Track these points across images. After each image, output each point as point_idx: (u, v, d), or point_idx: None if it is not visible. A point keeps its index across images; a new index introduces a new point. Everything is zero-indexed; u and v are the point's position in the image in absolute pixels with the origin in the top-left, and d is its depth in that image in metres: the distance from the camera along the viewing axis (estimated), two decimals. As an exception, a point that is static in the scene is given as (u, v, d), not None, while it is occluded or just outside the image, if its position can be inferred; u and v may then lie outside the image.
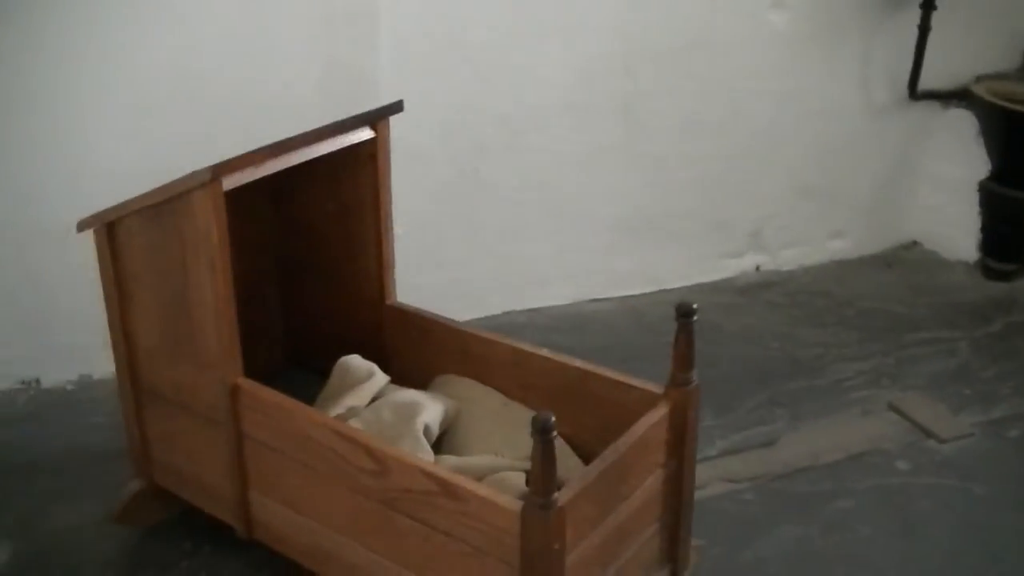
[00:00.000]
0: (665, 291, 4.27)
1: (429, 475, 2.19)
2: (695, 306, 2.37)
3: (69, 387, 3.57)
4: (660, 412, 2.38)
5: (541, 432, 1.95)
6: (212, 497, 2.69)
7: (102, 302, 2.72)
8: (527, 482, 2.42)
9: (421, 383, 2.89)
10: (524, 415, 2.69)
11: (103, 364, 3.41)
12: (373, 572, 2.39)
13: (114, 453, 3.07)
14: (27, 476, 3.11)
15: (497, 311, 4.07)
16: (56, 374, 3.59)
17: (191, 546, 2.85)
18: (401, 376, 2.90)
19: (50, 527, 2.92)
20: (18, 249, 3.40)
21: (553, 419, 1.94)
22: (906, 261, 4.66)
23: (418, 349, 2.93)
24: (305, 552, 2.54)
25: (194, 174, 2.32)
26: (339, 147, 2.69)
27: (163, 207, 2.44)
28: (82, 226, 2.63)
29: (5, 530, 2.89)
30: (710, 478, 3.13)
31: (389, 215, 2.89)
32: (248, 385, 2.48)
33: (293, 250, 3.13)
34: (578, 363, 2.64)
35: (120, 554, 2.84)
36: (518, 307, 4.13)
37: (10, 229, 3.38)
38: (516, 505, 2.06)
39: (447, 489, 2.16)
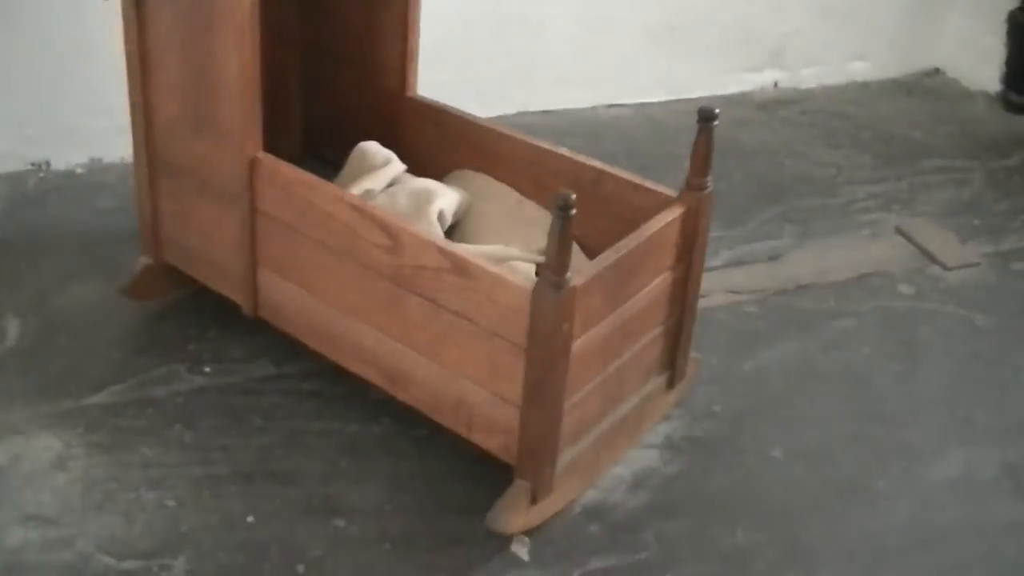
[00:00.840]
0: (683, 100, 4.22)
1: (442, 251, 2.21)
2: (717, 111, 2.35)
3: (79, 170, 3.55)
4: (674, 213, 2.38)
5: (561, 208, 1.96)
6: (221, 274, 2.70)
7: (116, 84, 2.68)
8: (536, 274, 2.43)
9: (436, 176, 2.88)
10: (537, 212, 2.69)
11: (114, 148, 3.42)
12: (379, 353, 2.41)
13: (123, 235, 3.08)
14: (36, 256, 3.12)
15: (512, 111, 4.02)
16: (67, 157, 3.56)
17: (196, 330, 2.86)
18: (417, 169, 2.89)
19: (58, 306, 2.94)
20: (32, 27, 3.35)
21: (573, 196, 1.94)
22: (927, 88, 4.61)
23: (436, 142, 2.92)
24: (310, 332, 2.57)
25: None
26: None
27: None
28: (109, -7, 2.58)
29: (14, 307, 2.91)
30: (714, 288, 3.14)
31: (417, 8, 2.85)
32: (267, 159, 2.47)
33: (317, 38, 3.09)
34: (594, 163, 2.63)
35: (126, 334, 2.86)
36: (534, 108, 4.09)
37: (22, 8, 3.32)
38: (528, 284, 2.08)
39: (459, 266, 2.17)
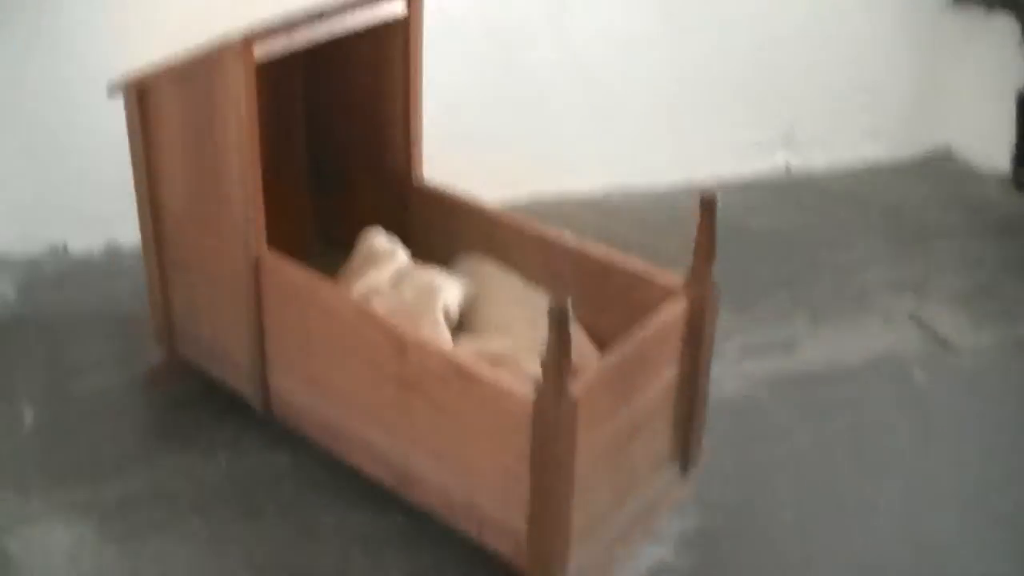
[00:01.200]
0: (695, 184, 4.22)
1: (446, 358, 2.22)
2: (717, 195, 2.35)
3: (97, 254, 3.59)
4: (679, 305, 2.39)
5: (557, 319, 1.96)
6: (232, 370, 2.73)
7: (130, 169, 2.72)
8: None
9: (444, 262, 2.90)
10: (544, 300, 2.69)
11: (130, 232, 3.41)
12: (387, 451, 2.42)
13: (140, 321, 3.09)
14: (52, 340, 3.15)
15: (525, 193, 4.03)
16: (84, 240, 3.60)
17: (211, 419, 2.88)
18: (425, 254, 2.91)
19: (73, 392, 2.96)
20: (51, 113, 3.40)
21: (570, 308, 1.95)
22: (938, 169, 4.59)
23: (443, 228, 2.94)
24: (320, 429, 2.58)
25: (226, 40, 2.32)
26: (371, 20, 2.67)
27: (194, 72, 2.44)
28: (113, 89, 2.62)
29: (29, 393, 2.93)
30: (725, 377, 3.12)
31: (419, 93, 2.89)
32: (271, 258, 2.50)
33: (324, 124, 3.12)
34: (601, 251, 2.64)
35: (142, 423, 2.89)
36: (547, 190, 4.11)
37: (45, 91, 3.37)
38: (530, 392, 2.07)
39: (462, 373, 2.18)
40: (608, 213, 4.04)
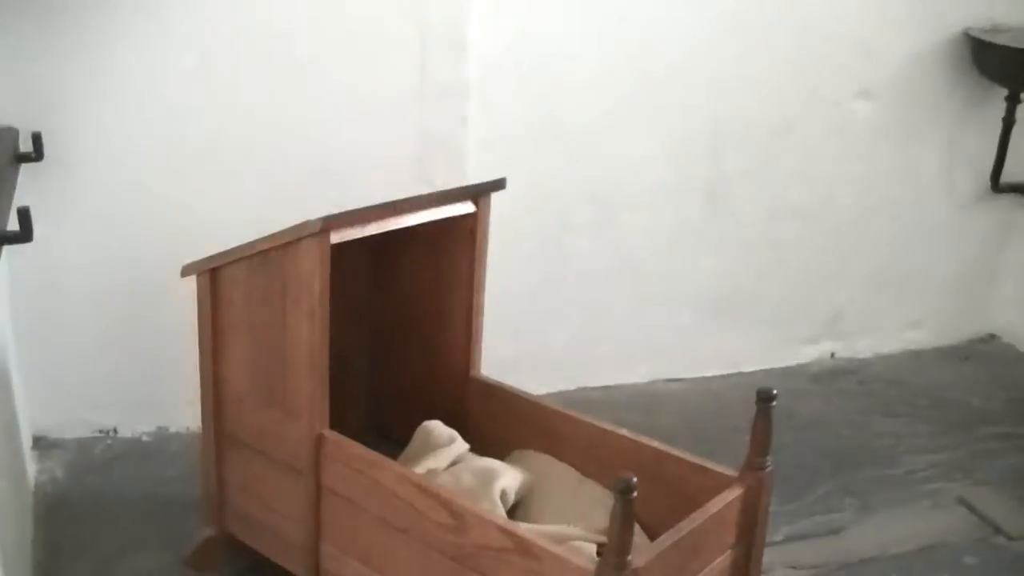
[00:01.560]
0: (741, 374, 4.27)
1: (505, 531, 2.22)
2: (775, 391, 2.38)
3: (145, 438, 3.62)
4: (735, 493, 2.39)
5: (622, 492, 1.97)
6: (283, 547, 2.72)
7: (184, 355, 2.77)
8: (598, 553, 2.42)
9: (499, 455, 2.91)
10: (599, 492, 2.71)
11: (180, 418, 3.50)
12: (441, 631, 2.40)
13: (186, 505, 3.12)
14: (99, 524, 3.15)
15: (572, 386, 4.09)
16: (133, 425, 3.63)
17: (259, 601, 2.87)
18: (481, 447, 2.93)
19: (121, 575, 2.95)
20: (104, 299, 3.47)
21: (635, 480, 1.96)
22: (983, 354, 4.63)
23: (499, 422, 2.97)
24: (374, 610, 2.56)
25: (304, 224, 2.39)
26: (441, 216, 2.75)
27: (269, 254, 2.50)
28: (187, 271, 2.69)
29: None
30: (774, 564, 3.10)
31: (482, 289, 2.95)
32: (333, 436, 2.52)
33: (385, 316, 3.19)
34: (655, 444, 2.65)
35: (189, 606, 2.88)
36: (594, 383, 4.15)
37: (98, 278, 3.44)
38: (590, 564, 2.07)
39: (522, 547, 2.18)
40: (654, 404, 4.07)
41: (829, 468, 3.68)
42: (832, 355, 4.52)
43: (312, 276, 2.41)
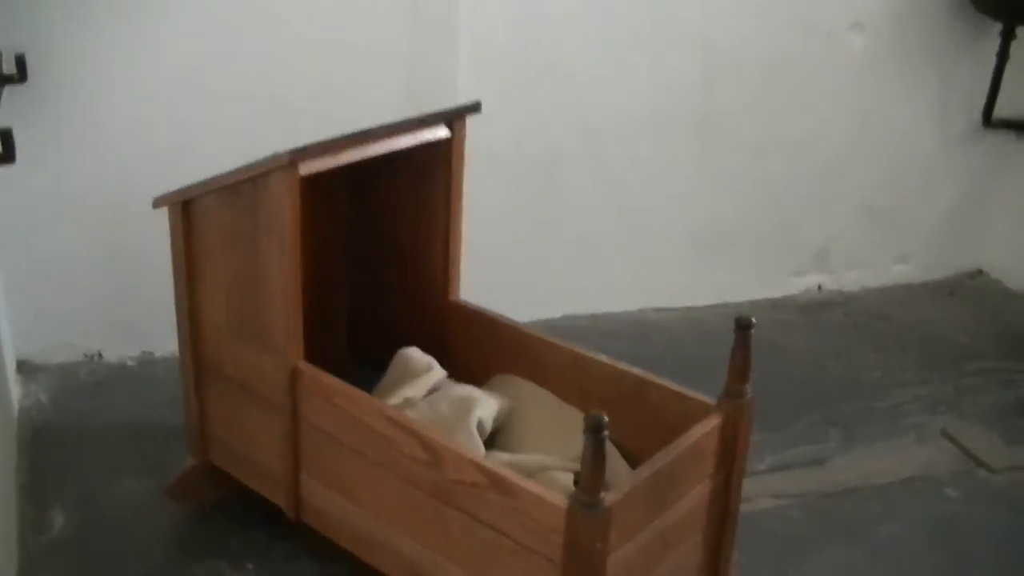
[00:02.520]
0: (728, 304, 4.27)
1: (480, 468, 2.22)
2: (753, 319, 2.38)
3: (130, 363, 3.63)
4: (713, 422, 2.39)
5: (593, 431, 1.97)
6: (264, 478, 2.73)
7: (169, 281, 2.76)
8: (575, 483, 2.43)
9: (479, 381, 2.91)
10: (578, 419, 2.69)
11: (165, 342, 3.48)
12: (419, 563, 2.41)
13: (172, 430, 3.12)
14: (85, 448, 3.17)
15: (558, 314, 4.09)
16: (118, 349, 3.64)
17: (240, 527, 2.88)
18: (459, 373, 2.93)
19: (104, 499, 2.97)
20: (89, 224, 3.45)
21: (606, 419, 1.96)
22: (970, 289, 4.64)
23: (478, 347, 2.96)
24: (352, 539, 2.57)
25: (273, 157, 2.36)
26: (416, 143, 2.72)
27: (240, 187, 2.48)
28: (158, 203, 2.66)
29: (61, 499, 2.94)
30: (758, 493, 3.12)
31: (460, 214, 2.93)
32: (308, 369, 2.51)
33: (364, 242, 3.17)
34: (635, 371, 2.65)
35: (171, 531, 2.89)
36: (581, 311, 4.15)
37: (82, 204, 3.43)
38: (563, 502, 2.07)
39: (497, 483, 2.18)
40: (640, 333, 4.07)
41: (814, 399, 3.69)
42: (819, 288, 4.52)
43: (282, 209, 2.39)
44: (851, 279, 4.56)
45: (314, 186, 2.47)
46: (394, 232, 3.07)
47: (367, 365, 3.09)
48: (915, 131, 4.41)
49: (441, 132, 2.78)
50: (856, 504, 3.16)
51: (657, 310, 4.26)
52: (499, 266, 3.80)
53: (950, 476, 3.32)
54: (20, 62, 3.08)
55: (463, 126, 2.83)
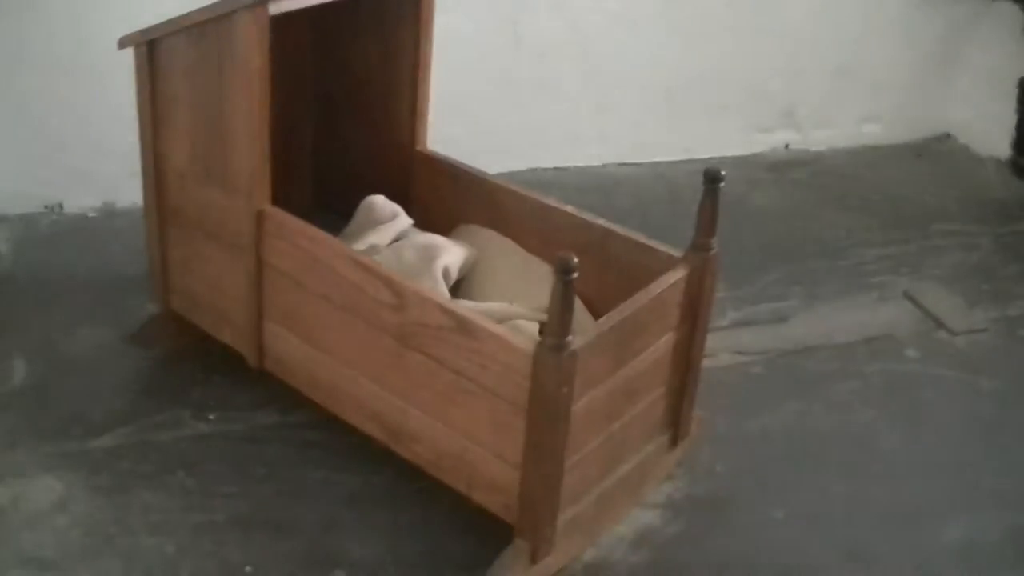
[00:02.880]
0: (695, 160, 4.22)
1: (446, 311, 2.22)
2: (723, 172, 2.36)
3: (91, 214, 3.59)
4: (678, 274, 2.39)
5: (562, 272, 1.96)
6: (227, 325, 2.72)
7: (130, 129, 2.71)
8: (540, 332, 2.43)
9: (444, 231, 2.90)
10: (543, 269, 2.69)
11: (127, 193, 3.43)
12: (381, 409, 2.42)
13: (133, 280, 3.11)
14: (45, 298, 3.14)
15: (523, 167, 4.05)
16: (79, 200, 3.59)
17: (202, 376, 2.88)
18: (425, 223, 2.91)
19: (65, 348, 2.96)
20: (48, 73, 3.38)
21: (576, 260, 1.95)
22: (937, 152, 4.61)
23: (444, 197, 2.94)
24: (314, 386, 2.58)
25: (240, -4, 2.30)
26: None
27: (206, 27, 2.42)
28: (124, 43, 2.59)
29: (22, 348, 2.93)
30: (719, 348, 3.14)
31: (429, 61, 2.88)
32: (274, 212, 2.49)
33: (330, 90, 3.12)
34: (601, 222, 2.64)
35: (133, 379, 2.88)
36: (546, 164, 4.12)
37: (42, 52, 3.35)
38: (529, 345, 2.08)
39: (462, 326, 2.18)
40: (606, 187, 4.05)
41: (778, 257, 3.70)
42: (787, 146, 4.49)
43: (250, 50, 2.34)
44: (819, 138, 4.52)
45: (279, 28, 2.41)
46: (360, 80, 3.02)
47: (333, 213, 3.06)
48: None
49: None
50: (816, 361, 3.19)
51: (623, 164, 4.23)
52: (463, 117, 3.75)
53: (911, 336, 3.34)
54: None
55: (431, -29, 2.77)
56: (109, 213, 3.58)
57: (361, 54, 2.99)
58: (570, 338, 2.03)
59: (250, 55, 2.34)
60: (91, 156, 3.49)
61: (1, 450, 2.60)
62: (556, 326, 2.01)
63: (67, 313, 3.08)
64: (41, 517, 2.42)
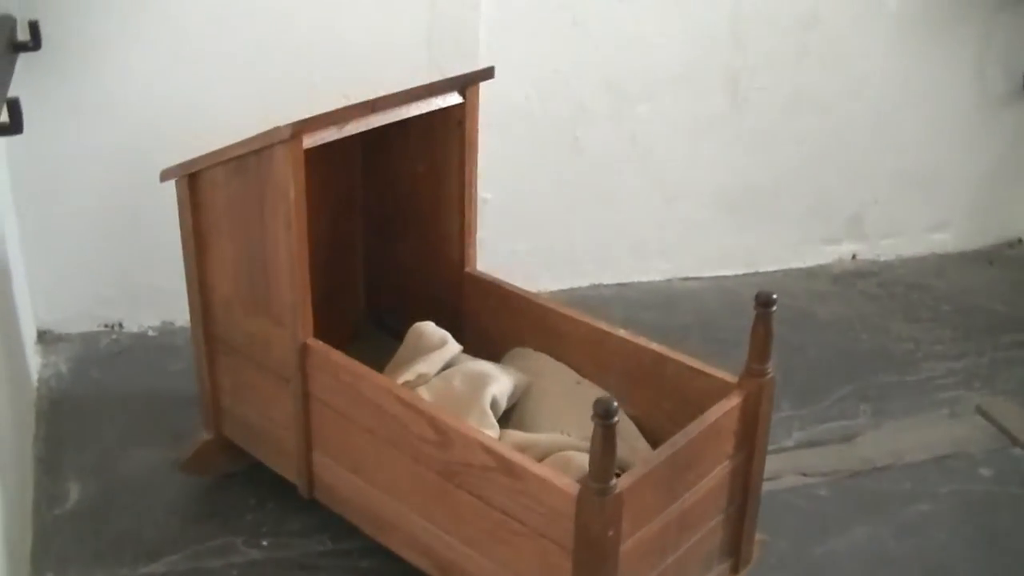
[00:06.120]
0: (760, 273, 4.18)
1: (489, 450, 2.17)
2: (774, 295, 2.30)
3: (151, 332, 3.61)
4: (732, 402, 2.32)
5: (602, 416, 1.91)
6: (277, 454, 2.70)
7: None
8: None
9: (495, 354, 2.86)
10: (596, 395, 2.64)
11: (186, 312, 3.43)
12: (430, 544, 2.37)
13: (191, 400, 3.07)
14: (102, 418, 3.15)
15: (585, 283, 4.03)
16: (139, 319, 3.62)
17: (255, 501, 2.86)
18: (476, 346, 2.87)
19: (120, 470, 2.95)
20: (108, 192, 3.42)
21: (615, 404, 1.90)
22: (1009, 259, 4.53)
23: (495, 319, 2.90)
24: (364, 517, 2.53)
25: (275, 130, 2.31)
26: (426, 111, 2.65)
27: (244, 161, 2.43)
28: (165, 176, 2.63)
29: (77, 470, 2.93)
30: (784, 470, 3.06)
31: (474, 181, 2.86)
32: (317, 346, 2.47)
33: (382, 208, 3.11)
34: (654, 346, 2.58)
35: (186, 502, 2.87)
36: (608, 280, 4.09)
37: (100, 172, 3.40)
38: (573, 488, 2.02)
39: (505, 466, 2.13)
40: (668, 303, 4.01)
41: (845, 372, 3.61)
42: (853, 256, 4.42)
43: (286, 184, 2.33)
44: (886, 247, 4.45)
45: (328, 150, 2.41)
46: (409, 198, 3.01)
47: (385, 330, 3.06)
48: (953, 93, 4.29)
49: (453, 99, 2.71)
50: (886, 482, 3.09)
51: (686, 279, 4.19)
52: (523, 231, 3.74)
53: (984, 454, 3.23)
54: (34, 29, 3.05)
55: (476, 92, 2.76)
56: (168, 331, 3.60)
57: (409, 172, 2.98)
58: (614, 482, 1.97)
59: (287, 188, 2.34)
60: (151, 276, 3.52)
61: (54, 575, 2.58)
62: (598, 471, 1.95)
63: (122, 434, 3.09)
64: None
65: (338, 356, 2.44)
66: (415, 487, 2.35)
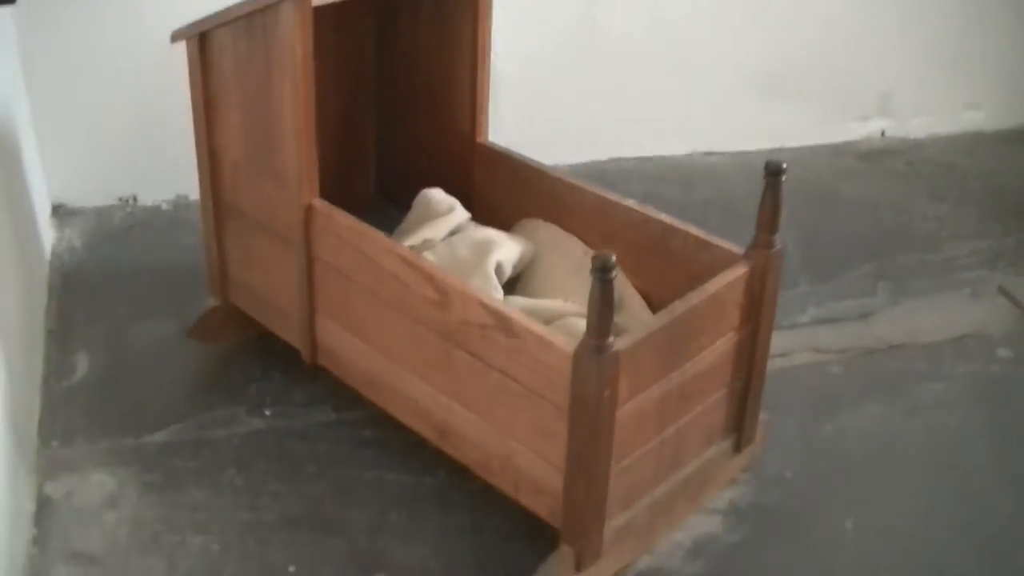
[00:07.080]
0: (785, 149, 4.11)
1: (487, 308, 2.15)
2: (784, 165, 2.25)
3: (165, 206, 3.60)
4: (737, 272, 2.28)
5: (600, 271, 1.88)
6: (282, 319, 2.69)
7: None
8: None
9: (504, 226, 2.83)
10: (603, 265, 2.61)
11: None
12: (430, 407, 2.37)
13: (203, 273, 3.08)
14: (114, 291, 3.16)
15: (605, 156, 3.97)
16: (153, 193, 3.61)
17: (260, 372, 2.86)
18: (485, 217, 2.85)
19: (129, 342, 2.96)
20: (123, 66, 3.40)
21: (613, 258, 1.87)
22: (1041, 140, 4.42)
23: (504, 190, 2.87)
24: (365, 382, 2.53)
25: (284, -14, 2.26)
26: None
27: (253, 19, 2.38)
28: (176, 36, 2.58)
29: (86, 342, 2.94)
30: (798, 346, 3.03)
31: (487, 52, 2.80)
32: (322, 206, 2.45)
33: (393, 81, 3.07)
34: (661, 217, 2.54)
35: (193, 374, 2.88)
36: (628, 154, 4.02)
37: (116, 47, 3.37)
38: (570, 346, 2.00)
39: (503, 324, 2.11)
40: (688, 178, 3.94)
41: (866, 250, 3.55)
42: (883, 134, 4.33)
43: (293, 42, 2.29)
44: (917, 125, 4.35)
45: (341, 23, 2.36)
46: (421, 71, 2.96)
47: (396, 205, 3.02)
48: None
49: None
50: (900, 361, 3.04)
51: (708, 153, 4.11)
52: (542, 107, 3.68)
53: (1004, 335, 3.17)
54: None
55: (490, -41, 2.70)
56: (182, 205, 3.60)
57: (421, 45, 2.93)
58: (611, 339, 1.95)
59: (293, 49, 2.30)
60: (165, 151, 3.47)
61: (58, 445, 2.60)
62: (596, 327, 1.93)
63: (135, 306, 3.09)
64: (91, 513, 2.41)
65: (341, 215, 2.42)
66: (416, 350, 2.34)
